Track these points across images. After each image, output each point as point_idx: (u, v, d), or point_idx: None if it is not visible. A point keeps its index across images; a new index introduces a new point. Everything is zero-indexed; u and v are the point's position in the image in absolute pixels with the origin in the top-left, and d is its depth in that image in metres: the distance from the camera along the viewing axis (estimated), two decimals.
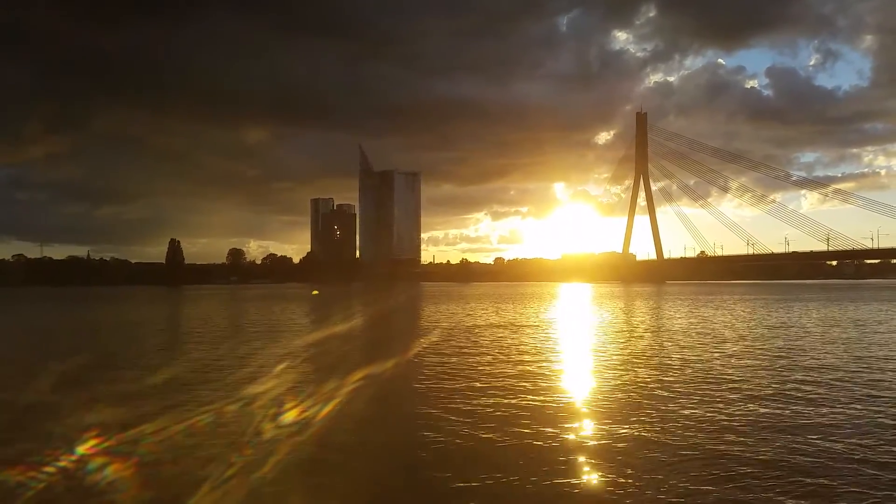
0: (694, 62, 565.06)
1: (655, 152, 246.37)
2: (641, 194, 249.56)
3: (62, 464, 11.18)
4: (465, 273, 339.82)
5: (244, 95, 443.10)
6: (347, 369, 21.09)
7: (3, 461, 11.33)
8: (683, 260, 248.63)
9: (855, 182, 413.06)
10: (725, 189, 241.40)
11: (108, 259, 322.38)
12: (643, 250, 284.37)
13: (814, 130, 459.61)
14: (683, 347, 29.12)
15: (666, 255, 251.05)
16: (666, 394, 17.98)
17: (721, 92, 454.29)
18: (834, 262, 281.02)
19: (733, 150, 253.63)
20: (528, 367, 23.34)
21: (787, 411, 15.61)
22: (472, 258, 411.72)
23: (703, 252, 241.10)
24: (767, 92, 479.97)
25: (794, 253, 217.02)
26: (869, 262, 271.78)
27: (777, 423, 14.39)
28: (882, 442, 12.76)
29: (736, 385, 19.21)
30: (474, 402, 17.13)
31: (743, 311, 58.61)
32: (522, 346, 30.48)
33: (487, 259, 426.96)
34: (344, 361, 24.29)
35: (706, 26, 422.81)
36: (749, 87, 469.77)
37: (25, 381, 20.04)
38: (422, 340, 34.12)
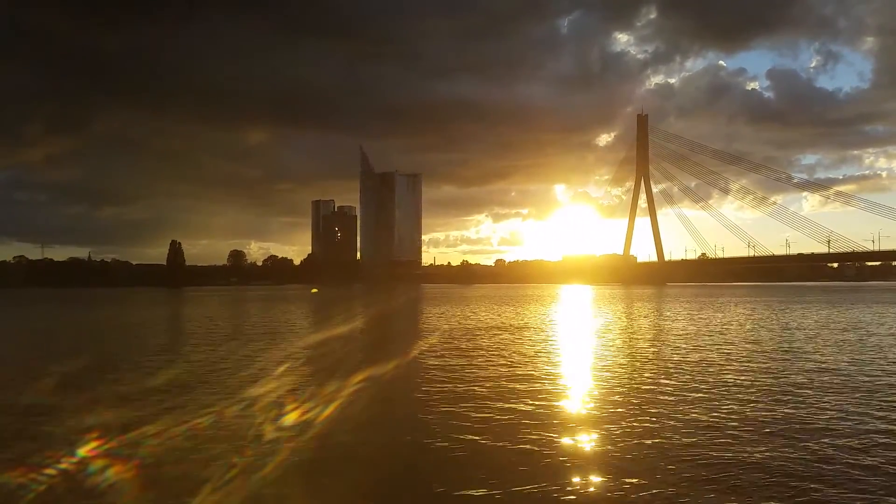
0: (695, 64, 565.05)
1: (656, 154, 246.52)
2: (642, 196, 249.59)
3: (63, 465, 11.19)
4: (465, 275, 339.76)
5: (245, 96, 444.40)
6: (348, 371, 21.10)
7: (5, 463, 11.35)
8: (684, 262, 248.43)
9: (856, 184, 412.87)
10: (726, 191, 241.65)
11: (108, 260, 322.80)
12: (644, 252, 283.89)
13: (815, 132, 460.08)
14: (684, 350, 29.10)
15: (667, 257, 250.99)
16: (667, 398, 17.96)
17: (722, 94, 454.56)
18: (835, 265, 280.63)
19: (734, 152, 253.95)
20: (528, 370, 23.34)
21: (792, 416, 15.57)
22: (472, 260, 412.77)
23: (703, 254, 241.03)
24: (768, 94, 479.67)
25: (795, 255, 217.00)
26: (870, 264, 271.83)
27: (783, 428, 14.33)
28: (880, 445, 12.76)
29: (738, 389, 19.19)
30: (475, 404, 17.13)
31: (744, 313, 58.56)
32: (523, 349, 30.49)
33: (488, 261, 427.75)
34: (344, 363, 24.30)
35: (707, 28, 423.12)
36: (750, 88, 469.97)
37: (26, 382, 20.07)
38: (422, 342, 34.13)
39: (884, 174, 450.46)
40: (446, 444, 13.13)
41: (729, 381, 20.42)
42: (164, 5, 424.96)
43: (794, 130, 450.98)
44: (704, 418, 15.18)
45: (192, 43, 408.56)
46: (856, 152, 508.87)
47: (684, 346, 30.74)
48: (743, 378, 20.92)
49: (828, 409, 16.00)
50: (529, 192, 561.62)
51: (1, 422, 15.21)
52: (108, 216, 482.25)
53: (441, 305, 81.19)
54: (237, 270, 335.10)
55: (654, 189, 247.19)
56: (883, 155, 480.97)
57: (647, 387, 19.45)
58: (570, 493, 10.36)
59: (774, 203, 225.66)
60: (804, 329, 40.03)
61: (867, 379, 20.67)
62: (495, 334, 38.34)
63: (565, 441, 13.33)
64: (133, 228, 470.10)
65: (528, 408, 16.50)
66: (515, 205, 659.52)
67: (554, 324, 48.56)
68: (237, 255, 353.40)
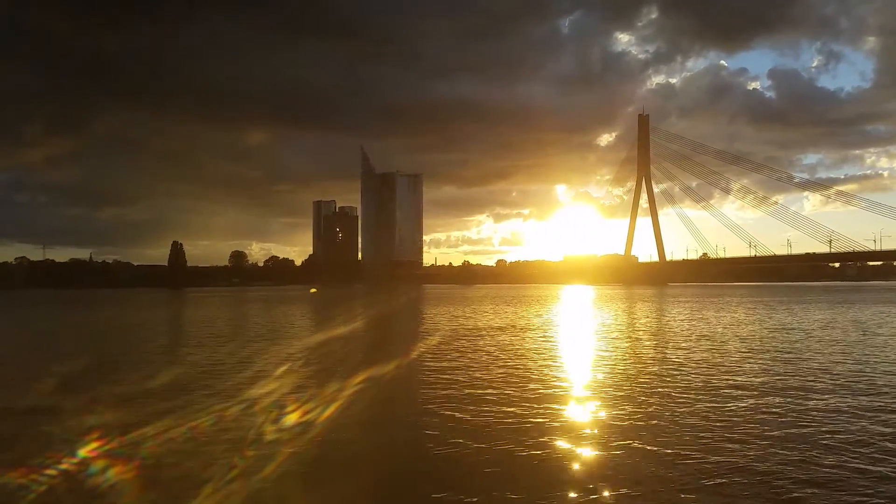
0: (696, 64, 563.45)
1: (657, 154, 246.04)
2: (643, 196, 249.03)
3: (64, 466, 11.21)
4: (466, 275, 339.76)
5: (245, 96, 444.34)
6: (348, 372, 21.12)
7: (6, 463, 11.36)
8: (685, 262, 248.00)
9: (857, 184, 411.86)
10: (728, 191, 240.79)
11: (110, 261, 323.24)
12: (645, 252, 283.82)
13: (816, 132, 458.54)
14: (686, 351, 29.08)
15: (668, 257, 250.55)
16: (669, 401, 17.94)
17: (723, 94, 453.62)
18: (836, 264, 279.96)
19: (735, 152, 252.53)
20: (529, 371, 23.33)
21: (796, 421, 15.56)
22: (473, 260, 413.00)
23: (705, 254, 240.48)
24: (770, 94, 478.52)
25: (797, 255, 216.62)
26: (871, 264, 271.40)
27: (788, 434, 14.29)
28: (879, 445, 12.75)
29: (741, 391, 19.16)
30: (475, 405, 17.13)
31: (745, 313, 58.51)
32: (524, 350, 30.49)
33: (489, 261, 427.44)
34: (345, 364, 24.31)
35: (708, 28, 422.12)
36: (751, 88, 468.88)
37: (27, 383, 20.10)
38: (423, 343, 34.14)
39: (885, 174, 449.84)
40: (447, 445, 13.12)
41: (731, 383, 20.40)
42: (164, 5, 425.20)
43: (796, 130, 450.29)
44: (705, 421, 15.17)
45: (192, 43, 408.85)
46: (857, 152, 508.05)
47: (686, 346, 30.72)
48: (744, 379, 20.91)
49: (830, 411, 15.99)
50: (530, 193, 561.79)
51: (2, 422, 15.23)
52: (109, 217, 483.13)
53: (442, 306, 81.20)
54: (238, 271, 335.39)
55: (656, 189, 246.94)
56: (884, 154, 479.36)
57: (649, 389, 19.42)
58: (570, 493, 10.36)
59: (776, 203, 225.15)
60: (805, 329, 39.98)
61: (868, 379, 20.65)
62: (496, 335, 38.34)
63: (565, 443, 13.33)
64: (134, 229, 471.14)
65: (529, 409, 16.49)
66: (516, 205, 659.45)
67: (555, 324, 48.56)
68: (238, 256, 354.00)
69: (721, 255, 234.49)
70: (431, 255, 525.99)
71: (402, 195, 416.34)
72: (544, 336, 37.56)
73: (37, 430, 13.99)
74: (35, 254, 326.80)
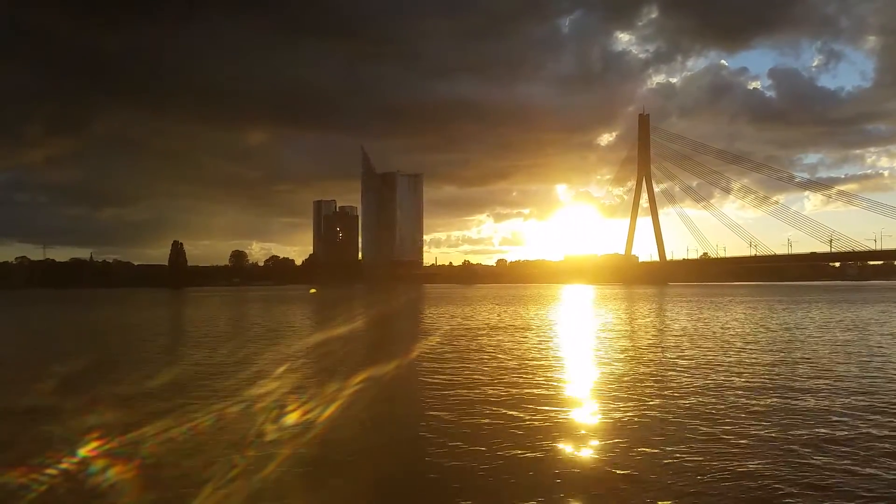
0: (696, 63, 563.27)
1: (658, 154, 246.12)
2: (644, 196, 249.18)
3: (64, 466, 11.20)
4: (467, 275, 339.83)
5: (245, 96, 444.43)
6: (349, 372, 21.12)
7: (6, 463, 11.35)
8: (686, 261, 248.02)
9: (858, 183, 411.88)
10: (728, 190, 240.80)
11: (110, 261, 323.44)
12: (645, 252, 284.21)
13: (817, 132, 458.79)
14: (687, 352, 29.07)
15: (668, 257, 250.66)
16: (671, 404, 17.93)
17: (724, 93, 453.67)
18: (837, 264, 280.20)
19: (736, 152, 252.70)
20: (529, 371, 23.32)
21: (796, 422, 15.54)
22: (474, 260, 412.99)
23: (705, 254, 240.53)
24: (770, 93, 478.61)
25: (797, 255, 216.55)
26: (872, 263, 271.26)
27: (793, 437, 14.28)
28: (878, 446, 12.75)
29: (743, 394, 19.15)
30: (476, 405, 17.11)
31: (745, 313, 58.49)
32: (524, 350, 30.48)
33: (489, 261, 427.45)
34: (345, 364, 24.32)
35: (708, 27, 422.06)
36: (752, 88, 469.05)
37: (28, 383, 20.09)
38: (423, 343, 34.13)
39: (886, 173, 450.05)
40: (447, 445, 13.11)
41: (732, 384, 20.39)
42: (164, 5, 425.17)
43: (796, 130, 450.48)
44: (704, 423, 15.15)
45: (192, 43, 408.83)
46: (858, 151, 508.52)
47: (687, 347, 30.72)
48: (745, 381, 20.89)
49: (830, 412, 15.99)
50: (531, 192, 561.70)
51: (2, 422, 15.23)
52: (110, 217, 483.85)
53: (442, 305, 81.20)
54: (239, 271, 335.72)
55: (656, 188, 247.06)
56: (885, 154, 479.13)
57: (649, 390, 19.40)
58: (570, 494, 10.35)
59: (776, 202, 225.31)
60: (805, 329, 39.96)
61: (868, 380, 20.63)
62: (497, 335, 38.33)
63: (565, 444, 13.32)
64: (134, 229, 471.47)
65: (529, 409, 16.47)
66: (517, 205, 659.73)
67: (555, 324, 48.54)
68: (239, 256, 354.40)
69: (721, 254, 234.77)
70: (432, 255, 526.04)
71: (402, 195, 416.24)
72: (544, 336, 37.54)
73: (37, 429, 13.98)
74: (35, 253, 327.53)
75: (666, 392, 18.52)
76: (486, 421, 15.12)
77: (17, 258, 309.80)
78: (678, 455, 12.07)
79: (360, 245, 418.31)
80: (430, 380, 21.21)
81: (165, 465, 11.46)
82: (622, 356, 26.92)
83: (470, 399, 17.82)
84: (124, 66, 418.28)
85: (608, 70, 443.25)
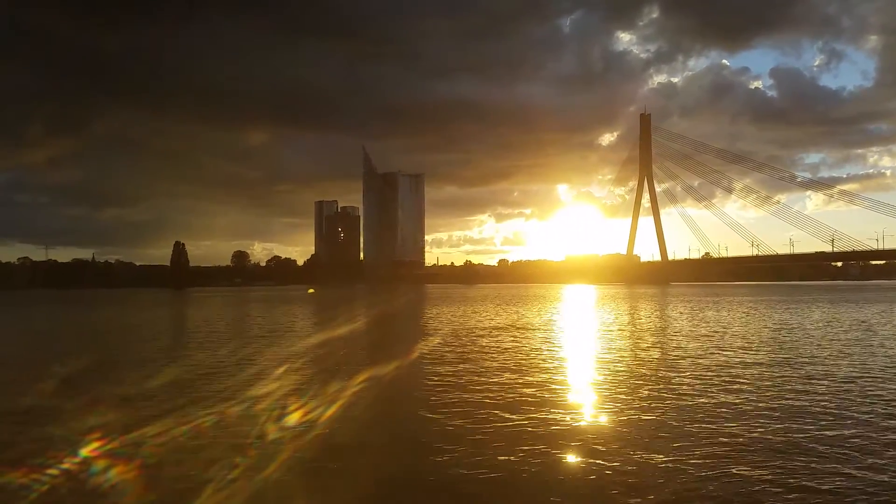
0: (697, 63, 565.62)
1: (659, 153, 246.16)
2: (645, 196, 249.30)
3: (65, 466, 11.21)
4: (468, 275, 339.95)
5: (245, 96, 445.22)
6: (350, 372, 21.14)
7: (7, 463, 11.37)
8: (688, 261, 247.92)
9: (859, 183, 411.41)
10: (730, 190, 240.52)
11: (112, 262, 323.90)
12: (647, 252, 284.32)
13: (818, 131, 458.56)
14: (688, 352, 29.03)
15: (670, 257, 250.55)
16: (668, 404, 17.91)
17: (725, 93, 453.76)
18: (839, 264, 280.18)
19: (737, 151, 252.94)
20: (531, 371, 23.30)
21: (800, 427, 15.53)
22: (475, 260, 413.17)
23: (707, 253, 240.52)
24: (771, 93, 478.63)
25: (799, 254, 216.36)
26: (874, 263, 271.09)
27: (793, 442, 14.29)
28: (876, 449, 12.73)
29: (746, 396, 19.12)
30: (476, 405, 17.10)
31: (747, 313, 58.43)
32: (526, 350, 30.46)
33: (491, 261, 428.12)
34: (347, 364, 24.33)
35: (709, 27, 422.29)
36: (753, 87, 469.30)
37: (29, 383, 20.10)
38: (425, 343, 34.12)
39: (888, 173, 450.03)
40: (448, 445, 13.09)
41: (732, 385, 20.36)
42: (164, 5, 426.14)
43: (798, 129, 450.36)
44: (705, 425, 15.13)
45: (192, 43, 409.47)
46: (859, 151, 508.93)
47: (689, 347, 30.68)
48: (746, 382, 20.86)
49: (833, 414, 15.95)
50: (532, 192, 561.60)
51: (3, 422, 15.24)
52: (111, 217, 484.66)
53: (444, 306, 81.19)
54: (241, 271, 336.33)
55: (658, 188, 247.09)
56: (887, 153, 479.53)
57: (649, 391, 19.36)
58: (570, 495, 10.34)
59: (778, 202, 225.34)
60: (807, 329, 39.90)
61: (869, 381, 20.60)
62: (498, 335, 38.31)
63: (565, 445, 13.30)
64: (136, 229, 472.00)
65: (530, 410, 16.45)
66: (518, 205, 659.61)
67: (557, 324, 48.52)
68: (240, 256, 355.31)
69: (723, 254, 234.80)
70: (433, 255, 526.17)
71: (403, 195, 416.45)
72: (545, 336, 37.51)
73: (38, 429, 13.99)
74: (37, 254, 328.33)
75: (666, 393, 18.49)
76: (487, 421, 15.11)
77: (19, 259, 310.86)
78: (678, 456, 12.05)
79: (361, 245, 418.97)
80: (430, 380, 21.19)
81: (166, 465, 11.47)
82: (623, 357, 26.89)
83: (470, 400, 17.80)
84: (124, 66, 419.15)
85: (609, 70, 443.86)
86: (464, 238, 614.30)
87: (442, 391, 19.10)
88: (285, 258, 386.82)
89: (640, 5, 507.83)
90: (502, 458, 12.11)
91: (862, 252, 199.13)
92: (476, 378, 21.50)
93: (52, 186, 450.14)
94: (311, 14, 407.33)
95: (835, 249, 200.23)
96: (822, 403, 16.62)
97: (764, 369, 22.76)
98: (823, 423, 14.53)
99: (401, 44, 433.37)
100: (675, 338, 34.61)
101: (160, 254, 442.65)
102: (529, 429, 14.26)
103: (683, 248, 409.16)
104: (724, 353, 27.55)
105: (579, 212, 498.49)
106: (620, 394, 18.27)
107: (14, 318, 71.19)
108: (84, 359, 27.18)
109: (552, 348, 30.70)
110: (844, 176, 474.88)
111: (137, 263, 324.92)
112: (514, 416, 15.53)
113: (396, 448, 13.40)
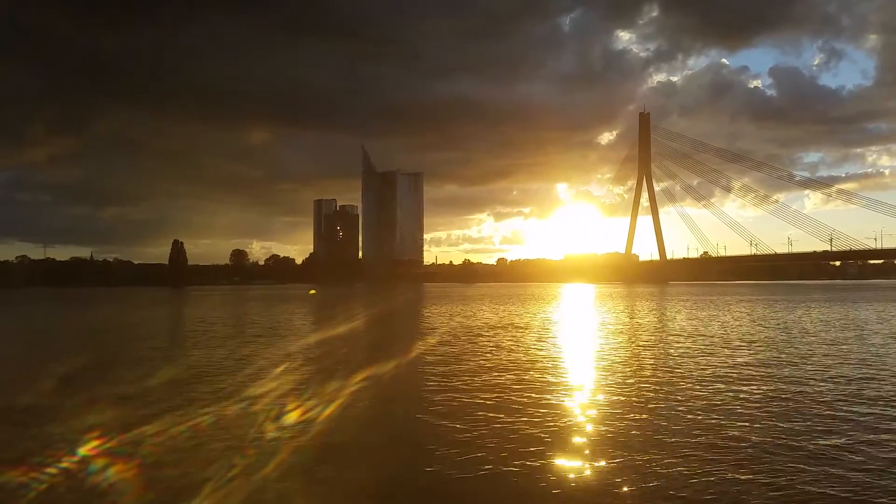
0: (697, 62, 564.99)
1: (658, 152, 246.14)
2: (644, 194, 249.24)
3: (64, 465, 11.21)
4: (467, 274, 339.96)
5: (245, 96, 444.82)
6: (349, 371, 21.14)
7: (5, 462, 11.36)
8: (686, 260, 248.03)
9: (858, 182, 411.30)
10: (728, 189, 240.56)
11: (111, 260, 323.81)
12: (646, 251, 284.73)
13: (817, 130, 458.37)
14: (688, 352, 29.07)
15: (669, 256, 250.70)
16: (674, 407, 17.93)
17: (724, 92, 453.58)
18: (837, 263, 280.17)
19: (736, 150, 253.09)
20: (530, 371, 23.31)
21: (800, 428, 15.55)
22: (474, 259, 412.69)
23: (706, 252, 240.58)
24: (771, 92, 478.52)
25: (798, 253, 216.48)
26: (872, 262, 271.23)
27: (792, 443, 14.31)
28: (877, 449, 12.75)
29: (747, 397, 19.15)
30: (476, 405, 17.11)
31: (746, 312, 58.48)
32: (525, 349, 30.47)
33: (490, 260, 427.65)
34: (345, 363, 24.34)
35: (709, 26, 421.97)
36: (752, 86, 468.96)
37: (27, 382, 20.09)
38: (423, 342, 34.12)
39: (886, 172, 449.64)
40: (447, 445, 13.10)
41: (733, 385, 20.38)
42: (164, 5, 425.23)
43: (797, 128, 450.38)
44: (705, 426, 15.15)
45: (192, 43, 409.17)
46: (858, 150, 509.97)
47: (686, 346, 30.72)
48: (747, 382, 20.88)
49: (833, 415, 15.97)
50: (531, 191, 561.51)
51: (2, 421, 15.23)
52: (110, 216, 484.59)
53: (443, 304, 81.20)
54: (239, 270, 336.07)
55: (657, 187, 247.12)
56: (886, 153, 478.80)
57: (650, 392, 19.37)
58: (570, 493, 10.36)
59: (777, 201, 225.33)
60: (805, 328, 39.95)
61: (868, 380, 20.63)
62: (496, 334, 38.32)
63: (565, 445, 13.32)
64: (135, 228, 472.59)
65: (529, 410, 16.46)
66: (517, 203, 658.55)
67: (555, 324, 48.54)
68: (239, 255, 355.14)
69: (722, 253, 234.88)
70: (432, 254, 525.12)
71: (402, 194, 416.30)
72: (544, 336, 37.54)
73: (36, 428, 13.99)
74: (36, 253, 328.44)
75: (663, 393, 18.50)
76: (486, 421, 15.11)
77: (17, 257, 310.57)
78: (677, 457, 12.07)
79: (360, 244, 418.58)
80: (428, 380, 21.19)
81: (165, 464, 11.47)
82: (620, 356, 26.92)
83: (469, 399, 17.80)
84: (124, 66, 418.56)
85: (609, 69, 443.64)
86: (463, 237, 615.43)
87: (440, 391, 19.10)
88: (284, 257, 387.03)
89: (639, 4, 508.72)
90: (500, 458, 12.11)
91: (860, 251, 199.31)
92: (474, 378, 21.49)
93: (53, 185, 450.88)
94: (311, 14, 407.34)
95: (833, 248, 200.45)
96: (822, 403, 16.64)
97: (762, 369, 22.79)
98: (823, 423, 14.55)
99: (401, 44, 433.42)
100: (672, 337, 34.62)
101: (159, 252, 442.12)
102: (528, 429, 14.26)
103: (682, 247, 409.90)
104: (722, 352, 27.58)
105: (578, 211, 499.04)
106: (618, 394, 18.28)
107: (12, 317, 71.10)
108: (82, 357, 27.17)
109: (550, 348, 30.71)
110: (843, 175, 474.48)
111: (136, 262, 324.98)
112: (512, 416, 15.53)
113: (395, 448, 13.41)
